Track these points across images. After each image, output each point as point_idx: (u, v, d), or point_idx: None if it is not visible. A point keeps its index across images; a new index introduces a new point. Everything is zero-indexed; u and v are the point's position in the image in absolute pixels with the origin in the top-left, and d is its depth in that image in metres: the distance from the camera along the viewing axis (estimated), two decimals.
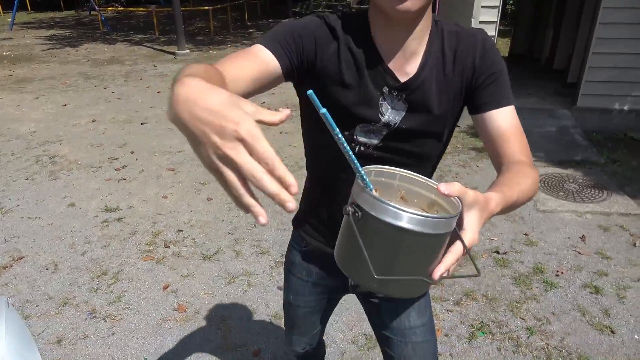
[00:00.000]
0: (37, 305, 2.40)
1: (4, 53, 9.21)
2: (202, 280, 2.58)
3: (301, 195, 1.17)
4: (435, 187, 0.71)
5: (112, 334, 2.21)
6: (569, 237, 2.94)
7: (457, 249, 0.68)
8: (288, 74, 0.91)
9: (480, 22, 4.46)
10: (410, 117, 0.96)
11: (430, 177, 1.07)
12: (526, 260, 2.71)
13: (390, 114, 0.95)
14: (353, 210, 0.68)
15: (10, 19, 12.72)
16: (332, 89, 0.94)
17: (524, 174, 0.87)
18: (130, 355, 2.10)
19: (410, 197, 0.80)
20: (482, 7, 4.42)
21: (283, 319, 1.44)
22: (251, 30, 12.03)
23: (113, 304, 2.41)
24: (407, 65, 0.94)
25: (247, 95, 0.84)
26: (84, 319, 2.30)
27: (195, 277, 2.60)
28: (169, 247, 2.88)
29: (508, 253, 2.78)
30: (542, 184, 3.59)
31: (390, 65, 0.94)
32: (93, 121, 5.17)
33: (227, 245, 2.88)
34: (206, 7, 11.75)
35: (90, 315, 2.33)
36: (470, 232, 0.69)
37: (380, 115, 0.95)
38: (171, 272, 2.64)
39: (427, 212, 0.72)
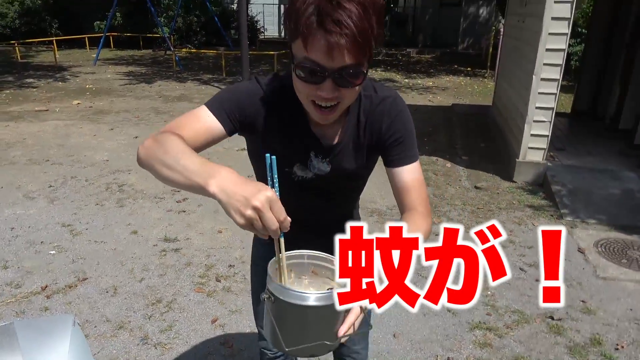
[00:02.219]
0: (95, 326, 2.55)
1: (87, 86, 10.09)
2: (250, 317, 2.64)
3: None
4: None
5: None
6: (631, 309, 2.77)
7: (355, 309, 0.86)
8: (230, 133, 1.10)
9: (542, 79, 4.45)
10: (334, 173, 1.17)
11: (357, 201, 1.39)
12: (583, 330, 2.58)
13: (317, 170, 1.17)
14: (267, 296, 0.86)
15: (95, 55, 13.96)
16: (269, 145, 1.10)
17: (415, 225, 1.03)
18: None
19: (320, 270, 0.98)
20: (545, 64, 4.41)
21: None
22: None
23: (164, 332, 2.51)
24: (330, 130, 1.13)
25: (198, 150, 1.00)
26: (137, 344, 2.42)
27: (242, 313, 2.68)
28: (220, 281, 2.99)
29: (563, 320, 2.66)
30: (603, 249, 3.43)
31: (316, 131, 1.13)
32: None
33: None
34: (271, 52, 12.39)
35: (142, 341, 2.44)
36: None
37: (309, 170, 1.18)
38: (220, 306, 2.73)
39: (332, 285, 0.90)
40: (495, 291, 2.92)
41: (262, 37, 21.71)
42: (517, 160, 4.75)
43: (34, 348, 1.81)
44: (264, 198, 0.78)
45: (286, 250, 0.92)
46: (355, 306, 0.83)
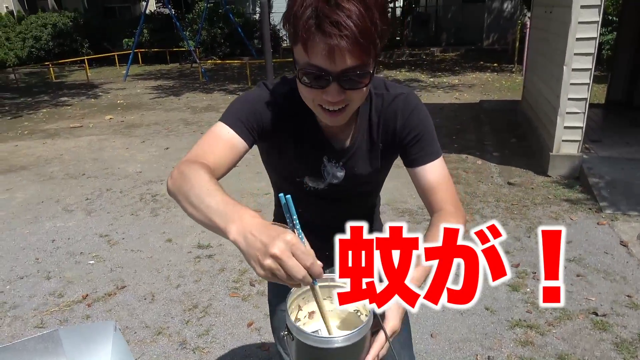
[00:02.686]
0: (135, 332, 2.61)
1: (118, 101, 10.39)
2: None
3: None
4: None
5: None
6: None
7: (380, 338, 0.83)
8: (251, 145, 1.05)
9: (574, 70, 4.32)
10: (348, 178, 1.12)
11: (375, 207, 1.32)
12: (630, 325, 2.48)
13: (331, 178, 1.12)
14: (286, 333, 0.82)
15: (125, 71, 14.39)
16: (284, 153, 1.10)
17: (451, 218, 1.00)
18: None
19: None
20: (575, 54, 4.29)
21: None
22: None
23: (202, 336, 2.55)
24: (341, 134, 1.09)
25: (228, 170, 1.01)
26: (175, 349, 2.46)
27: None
28: (254, 285, 3.01)
29: (608, 315, 2.56)
30: None
31: (328, 135, 1.09)
32: None
33: None
34: None
35: (181, 346, 2.48)
36: (392, 320, 0.84)
37: (323, 180, 1.12)
38: (255, 310, 2.75)
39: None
40: (535, 288, 2.84)
41: (285, 45, 21.91)
42: (550, 153, 4.62)
43: (78, 353, 1.87)
44: (282, 244, 0.69)
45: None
46: (380, 336, 0.83)
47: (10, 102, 10.87)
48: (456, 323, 2.56)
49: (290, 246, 0.70)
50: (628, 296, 2.72)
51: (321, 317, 0.83)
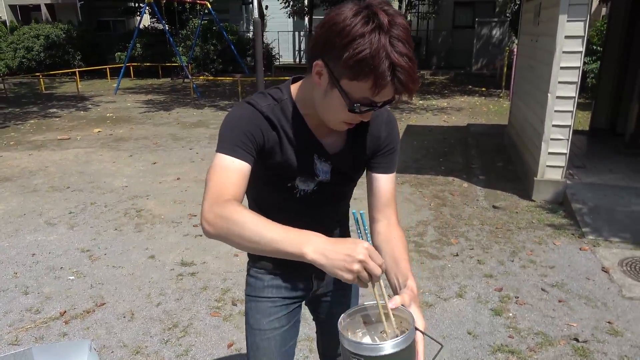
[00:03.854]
0: (112, 352, 2.55)
1: (108, 114, 10.35)
2: None
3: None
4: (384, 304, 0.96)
5: None
6: None
7: (421, 338, 0.97)
8: (253, 164, 1.11)
9: (558, 97, 4.42)
10: (335, 174, 1.23)
11: (347, 212, 1.44)
12: (610, 352, 2.49)
13: (321, 174, 1.21)
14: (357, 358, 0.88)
15: (115, 85, 14.37)
16: (277, 161, 1.16)
17: (403, 243, 1.19)
18: None
19: (369, 319, 1.03)
20: (559, 82, 4.39)
21: None
22: None
23: (181, 357, 2.50)
24: (331, 136, 1.19)
25: (244, 198, 1.10)
26: None
27: None
28: (236, 304, 2.98)
29: (589, 342, 2.57)
30: (629, 268, 3.33)
31: (319, 137, 1.18)
32: (177, 179, 5.60)
33: None
34: (287, 77, 12.58)
35: None
36: (420, 320, 0.99)
37: (313, 179, 1.21)
38: (236, 330, 2.71)
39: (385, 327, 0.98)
40: (517, 313, 2.84)
41: (278, 63, 22.08)
42: (535, 178, 4.69)
43: None
44: (364, 251, 0.87)
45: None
46: (419, 336, 0.96)
47: None
48: (437, 347, 2.55)
49: (369, 251, 0.88)
50: (609, 322, 2.74)
51: (383, 316, 0.96)
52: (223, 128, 1.11)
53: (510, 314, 2.84)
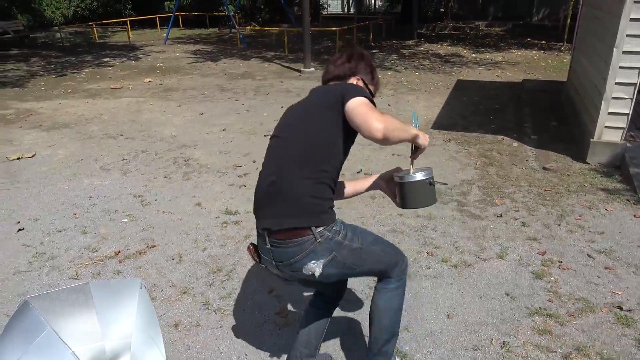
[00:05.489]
0: (162, 290, 2.73)
1: (158, 64, 10.56)
2: (304, 289, 2.71)
3: (327, 204, 1.71)
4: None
5: (220, 327, 2.43)
6: None
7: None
8: None
9: (624, 52, 4.09)
10: None
11: None
12: None
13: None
14: (400, 181, 1.82)
15: (165, 35, 14.53)
16: None
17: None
18: (233, 349, 2.30)
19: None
20: (627, 36, 4.04)
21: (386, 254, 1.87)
22: (375, 51, 12.27)
23: (224, 299, 2.64)
24: None
25: None
26: (199, 309, 2.57)
27: (298, 285, 2.75)
28: None
29: (633, 311, 2.50)
30: None
31: None
32: (224, 130, 5.71)
33: None
34: (334, 28, 12.27)
35: (204, 306, 2.59)
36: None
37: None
38: (276, 278, 2.82)
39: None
40: (559, 277, 2.79)
41: (325, 13, 21.53)
42: (591, 140, 4.44)
43: (106, 306, 1.98)
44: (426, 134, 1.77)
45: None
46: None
47: (56, 61, 11.22)
48: (474, 306, 2.56)
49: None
50: None
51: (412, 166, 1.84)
52: (356, 87, 1.73)
53: (552, 278, 2.79)
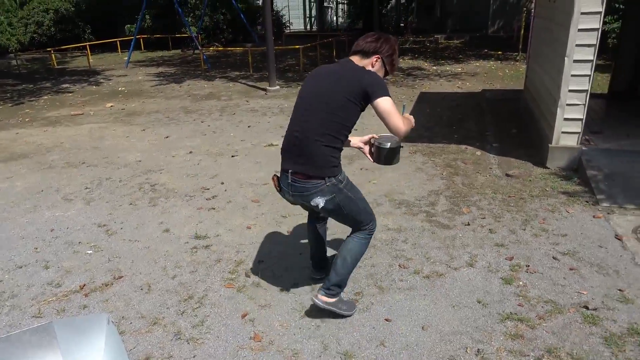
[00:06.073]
0: (131, 323, 2.65)
1: (120, 88, 10.39)
2: (278, 311, 2.68)
3: (337, 160, 2.34)
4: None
5: (194, 357, 2.37)
6: None
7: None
8: None
9: (575, 61, 4.28)
10: None
11: None
12: (620, 319, 2.49)
13: None
14: (378, 144, 2.43)
15: (126, 58, 14.33)
16: None
17: None
18: None
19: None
20: (577, 45, 4.24)
21: (366, 214, 2.48)
22: None
23: (196, 327, 2.58)
24: None
25: None
26: (170, 340, 2.49)
27: (272, 307, 2.72)
28: (249, 276, 3.04)
29: (599, 309, 2.57)
30: None
31: None
32: (190, 152, 5.64)
33: (303, 279, 2.98)
34: (297, 46, 12.39)
35: (176, 336, 2.52)
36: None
37: None
38: (250, 302, 2.78)
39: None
40: (527, 281, 2.85)
41: (288, 31, 21.73)
42: (550, 145, 4.61)
43: (72, 346, 1.90)
44: (412, 119, 2.44)
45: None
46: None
47: (12, 89, 10.89)
48: (448, 315, 2.59)
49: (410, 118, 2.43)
50: (619, 290, 2.73)
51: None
52: (382, 83, 2.27)
53: (521, 283, 2.85)
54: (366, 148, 2.56)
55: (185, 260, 3.27)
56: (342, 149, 2.36)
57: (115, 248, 3.48)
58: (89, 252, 3.44)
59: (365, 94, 2.23)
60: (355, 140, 2.57)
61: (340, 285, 2.54)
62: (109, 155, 5.67)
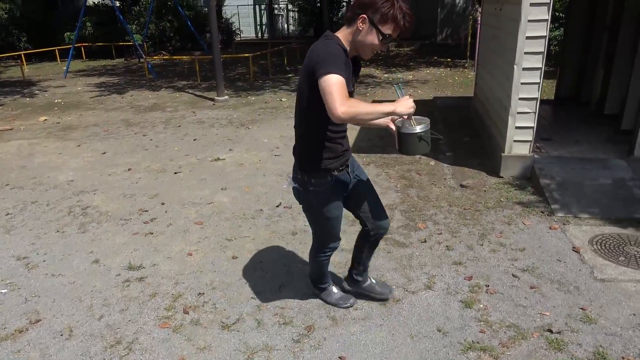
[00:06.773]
0: None
1: (56, 101, 9.69)
2: (219, 354, 2.38)
3: (318, 157, 2.15)
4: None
5: None
6: (634, 314, 2.56)
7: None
8: None
9: (524, 69, 4.23)
10: (353, 87, 2.08)
11: None
12: (585, 342, 2.36)
13: (351, 87, 1.99)
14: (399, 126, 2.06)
15: (65, 68, 13.51)
16: (346, 79, 1.87)
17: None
18: None
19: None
20: (525, 53, 4.19)
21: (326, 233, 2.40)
22: (290, 75, 12.21)
23: None
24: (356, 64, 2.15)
25: None
26: None
27: (212, 350, 2.41)
28: (188, 312, 2.72)
29: (563, 332, 2.43)
30: (599, 247, 3.22)
31: (354, 63, 2.09)
32: (128, 170, 5.21)
33: (248, 313, 2.69)
34: (247, 54, 12.06)
35: None
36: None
37: (352, 85, 2.02)
38: (187, 344, 2.46)
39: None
40: (488, 303, 2.69)
41: (239, 39, 21.35)
42: (502, 154, 4.54)
43: None
44: (412, 101, 1.93)
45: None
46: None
47: None
48: (406, 348, 2.37)
49: (411, 102, 1.93)
50: (582, 309, 2.61)
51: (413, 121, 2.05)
52: (326, 54, 1.83)
53: (481, 305, 2.68)
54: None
55: (116, 297, 2.90)
56: (332, 148, 2.15)
57: (34, 285, 3.06)
58: (3, 291, 3.00)
59: (313, 74, 1.82)
60: (389, 120, 2.20)
61: (316, 282, 2.73)
62: (37, 176, 5.15)
